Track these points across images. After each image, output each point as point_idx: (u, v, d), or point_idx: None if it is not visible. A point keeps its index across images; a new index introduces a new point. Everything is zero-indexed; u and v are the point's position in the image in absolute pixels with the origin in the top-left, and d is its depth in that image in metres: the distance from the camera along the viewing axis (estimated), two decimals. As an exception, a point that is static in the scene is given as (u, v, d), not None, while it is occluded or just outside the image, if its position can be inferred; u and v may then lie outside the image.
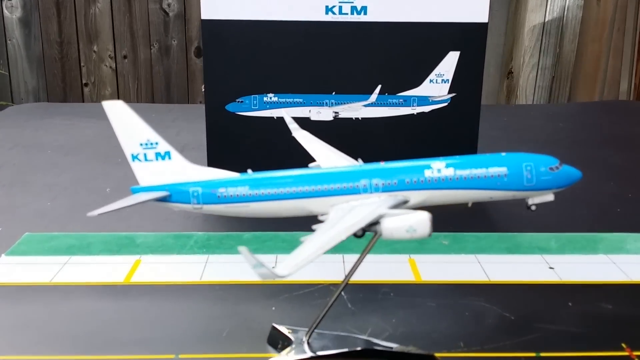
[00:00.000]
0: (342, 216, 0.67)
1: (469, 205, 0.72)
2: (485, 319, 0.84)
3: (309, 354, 0.73)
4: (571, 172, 0.71)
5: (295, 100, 1.27)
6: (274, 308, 0.86)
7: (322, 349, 0.75)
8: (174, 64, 2.82)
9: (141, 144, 0.72)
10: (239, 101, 1.27)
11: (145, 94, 2.89)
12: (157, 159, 0.73)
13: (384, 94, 1.26)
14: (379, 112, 1.27)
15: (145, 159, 0.73)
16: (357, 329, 0.81)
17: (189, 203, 0.73)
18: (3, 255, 1.01)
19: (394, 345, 0.77)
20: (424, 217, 0.65)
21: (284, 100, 1.27)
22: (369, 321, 0.83)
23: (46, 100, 2.83)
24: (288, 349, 0.75)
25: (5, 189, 1.34)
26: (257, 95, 1.26)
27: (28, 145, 1.65)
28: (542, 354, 0.76)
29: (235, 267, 0.97)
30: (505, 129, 1.84)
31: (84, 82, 2.86)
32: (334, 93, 1.26)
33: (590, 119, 2.03)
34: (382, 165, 0.72)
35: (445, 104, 1.27)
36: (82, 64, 2.81)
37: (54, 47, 2.79)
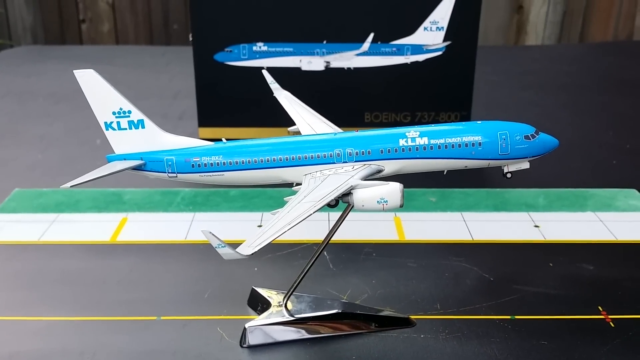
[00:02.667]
0: (314, 188, 0.66)
1: (445, 173, 0.71)
2: (464, 280, 0.84)
3: (287, 317, 0.75)
4: (547, 141, 0.70)
5: (285, 49, 1.23)
6: (256, 269, 0.87)
7: (300, 312, 0.76)
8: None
9: (114, 113, 0.72)
10: (227, 50, 1.23)
11: (144, 30, 2.83)
12: (130, 128, 0.72)
13: (377, 42, 1.22)
14: (372, 62, 1.24)
15: (119, 128, 0.72)
16: (337, 291, 0.82)
17: (164, 172, 0.72)
18: (-7, 212, 1.02)
19: (370, 308, 0.78)
20: (395, 188, 0.64)
21: (273, 49, 1.23)
22: (350, 282, 0.84)
23: (43, 38, 2.78)
24: (267, 312, 0.76)
25: (-3, 140, 1.34)
26: (246, 44, 1.23)
27: (20, 92, 1.64)
28: (517, 317, 0.77)
29: (220, 225, 0.98)
30: (507, 73, 1.79)
31: (80, 18, 2.80)
32: (325, 42, 1.23)
33: (599, 61, 1.95)
34: (356, 133, 0.71)
35: (440, 53, 1.23)
36: (77, 0, 2.75)
37: (49, -18, 2.71)
